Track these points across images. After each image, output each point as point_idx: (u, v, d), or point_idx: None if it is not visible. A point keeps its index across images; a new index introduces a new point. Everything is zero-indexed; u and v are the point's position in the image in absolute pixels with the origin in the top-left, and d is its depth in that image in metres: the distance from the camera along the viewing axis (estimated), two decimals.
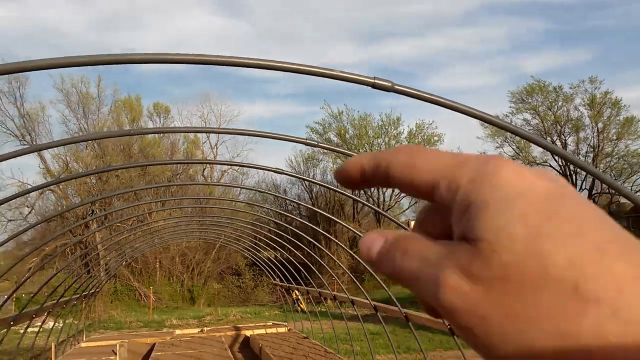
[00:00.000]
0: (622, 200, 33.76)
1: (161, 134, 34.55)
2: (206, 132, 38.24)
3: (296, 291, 18.28)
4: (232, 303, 28.71)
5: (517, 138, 35.84)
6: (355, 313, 14.11)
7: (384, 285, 7.19)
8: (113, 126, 32.64)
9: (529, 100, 35.12)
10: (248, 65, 2.44)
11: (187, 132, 35.21)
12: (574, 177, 33.47)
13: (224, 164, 38.29)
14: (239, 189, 34.64)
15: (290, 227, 11.52)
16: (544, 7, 56.27)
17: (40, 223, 23.79)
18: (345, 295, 9.49)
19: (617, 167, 34.12)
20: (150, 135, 33.52)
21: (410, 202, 37.73)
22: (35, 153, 27.89)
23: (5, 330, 7.81)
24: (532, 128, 34.98)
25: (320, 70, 2.43)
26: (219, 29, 59.60)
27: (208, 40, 58.39)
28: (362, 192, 33.70)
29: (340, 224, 9.11)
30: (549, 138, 34.29)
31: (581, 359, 0.27)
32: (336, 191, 33.46)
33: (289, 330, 13.94)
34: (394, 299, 6.92)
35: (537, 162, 35.64)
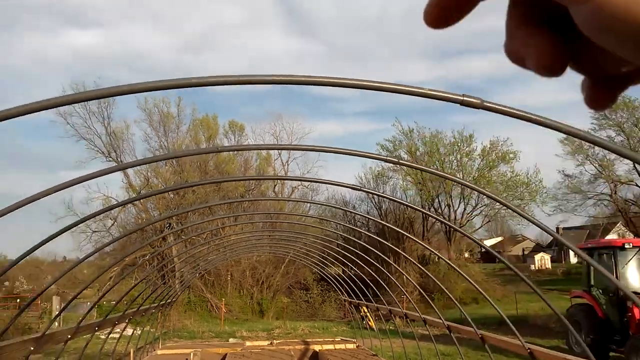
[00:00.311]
0: None
1: (236, 152, 35.62)
2: (282, 149, 39.03)
3: (364, 308, 18.14)
4: (300, 317, 28.86)
5: (600, 155, 34.00)
6: (425, 332, 13.80)
7: (458, 305, 7.00)
8: (191, 144, 34.06)
9: (613, 117, 33.26)
10: (331, 84, 2.49)
11: (274, 149, 36.12)
12: None
13: (297, 180, 38.83)
14: (308, 205, 35.02)
15: (360, 242, 11.49)
16: None
17: (123, 237, 25.06)
18: (417, 314, 9.31)
19: None
20: (225, 153, 34.66)
21: (482, 222, 36.62)
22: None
23: (90, 335, 8.25)
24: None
25: (406, 88, 2.44)
26: (293, 50, 61.07)
27: (283, 60, 59.99)
28: (432, 209, 33.08)
29: (411, 238, 8.97)
30: None
31: None
32: (408, 206, 33.07)
33: (357, 347, 13.82)
34: (469, 319, 6.72)
35: (622, 181, 33.62)
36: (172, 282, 17.40)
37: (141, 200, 31.32)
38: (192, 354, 11.91)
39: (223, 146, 31.66)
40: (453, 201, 34.83)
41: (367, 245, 9.80)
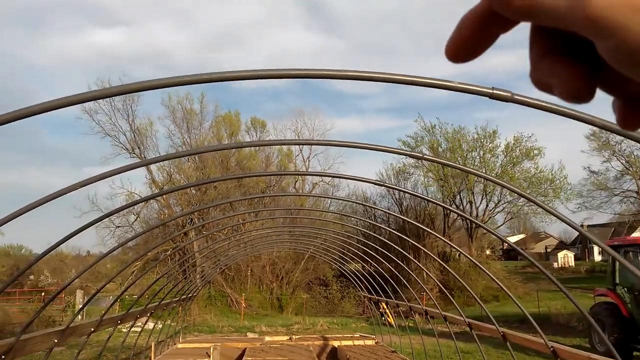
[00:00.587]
0: None
1: (257, 148, 35.79)
2: (303, 144, 39.11)
3: (384, 304, 18.10)
4: (319, 313, 28.93)
5: (627, 151, 33.36)
6: (444, 329, 13.72)
7: (480, 302, 6.93)
8: (213, 140, 34.32)
9: None
10: (358, 78, 2.46)
11: (296, 144, 36.18)
12: None
13: (318, 175, 38.93)
14: (329, 201, 35.06)
15: (380, 238, 11.45)
16: None
17: (145, 232, 25.40)
18: (437, 311, 9.26)
19: None
20: (246, 149, 34.88)
21: (505, 218, 36.21)
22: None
23: (112, 328, 8.38)
24: None
25: (436, 82, 2.40)
26: (316, 46, 61.09)
27: (303, 57, 60.04)
28: (453, 205, 32.81)
29: (433, 234, 8.89)
30: None
31: None
32: (430, 201, 32.85)
33: (376, 343, 13.79)
34: (491, 317, 6.65)
35: None
36: (193, 277, 17.57)
37: (164, 196, 31.68)
38: (212, 348, 12.02)
39: (245, 141, 31.82)
40: (475, 198, 34.50)
41: (387, 242, 9.77)
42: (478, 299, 7.27)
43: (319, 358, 12.01)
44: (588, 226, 44.40)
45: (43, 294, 29.77)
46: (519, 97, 2.38)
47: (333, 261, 16.30)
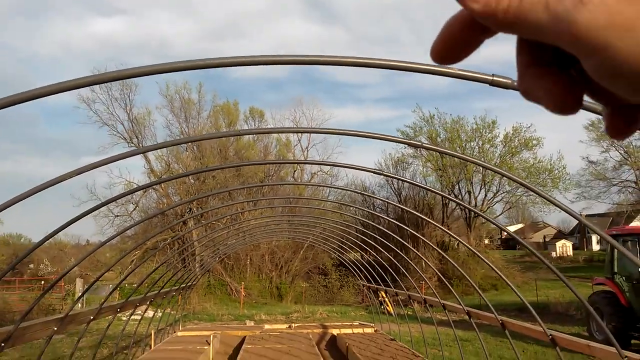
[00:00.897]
0: None
1: (256, 137, 35.70)
2: (302, 132, 38.91)
3: (383, 293, 18.16)
4: (319, 302, 29.04)
5: (626, 142, 33.33)
6: (443, 318, 13.78)
7: (478, 290, 6.94)
8: (212, 130, 34.20)
9: None
10: (358, 65, 2.41)
11: (294, 132, 36.02)
12: None
13: (317, 164, 38.84)
14: (327, 191, 35.04)
15: (379, 227, 11.46)
16: None
17: (144, 220, 25.39)
18: (436, 299, 9.28)
19: None
20: (245, 139, 34.79)
21: (503, 208, 36.27)
22: (141, 154, 29.87)
23: (111, 316, 8.40)
24: None
25: (434, 69, 2.37)
26: (317, 35, 60.80)
27: (307, 47, 59.78)
28: (452, 195, 32.84)
29: (432, 223, 8.91)
30: None
31: None
32: (429, 190, 32.86)
33: (375, 331, 13.85)
34: (490, 305, 6.66)
35: None
36: (192, 266, 17.60)
37: (162, 186, 31.65)
38: (212, 336, 12.06)
39: (243, 129, 31.76)
40: (474, 188, 34.52)
41: (386, 231, 9.77)
42: (477, 288, 7.27)
43: (319, 346, 12.05)
44: (586, 216, 44.50)
45: (43, 282, 29.82)
46: None
47: (332, 250, 16.32)
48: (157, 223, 29.63)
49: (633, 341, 12.37)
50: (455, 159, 31.73)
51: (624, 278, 12.89)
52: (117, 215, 32.28)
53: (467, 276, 7.38)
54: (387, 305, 18.20)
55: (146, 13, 57.13)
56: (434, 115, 34.54)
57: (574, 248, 53.11)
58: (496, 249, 39.62)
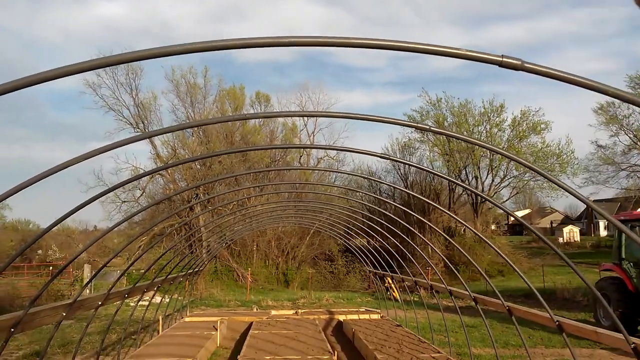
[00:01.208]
0: None
1: (262, 122, 35.62)
2: (309, 116, 38.84)
3: (389, 279, 18.20)
4: (325, 288, 29.16)
5: (635, 126, 33.03)
6: (449, 304, 13.79)
7: (485, 276, 6.93)
8: (217, 114, 34.13)
9: None
10: (366, 46, 2.36)
11: (302, 116, 35.95)
12: None
13: (323, 148, 38.83)
14: (334, 176, 35.03)
15: (385, 213, 11.43)
16: None
17: (151, 206, 25.48)
18: (442, 285, 9.27)
19: None
20: (251, 123, 34.72)
21: (510, 193, 36.13)
22: (147, 140, 29.91)
23: (119, 302, 8.46)
24: None
25: (443, 49, 2.31)
26: (321, 18, 60.30)
27: (310, 29, 59.34)
28: (459, 179, 32.72)
29: (438, 208, 8.86)
30: None
31: None
32: (436, 174, 32.75)
33: (381, 317, 13.91)
34: (497, 291, 6.64)
35: None
36: (199, 252, 17.69)
37: (169, 171, 31.70)
38: (219, 321, 12.16)
39: (249, 113, 31.60)
40: (481, 172, 34.34)
41: (392, 216, 9.75)
42: (483, 274, 7.26)
43: (325, 332, 12.12)
44: (594, 201, 44.19)
45: (51, 268, 30.11)
46: (529, 65, 2.28)
47: (338, 236, 16.34)
48: (164, 209, 29.76)
49: None
50: (463, 143, 31.52)
51: (631, 264, 12.83)
52: (124, 201, 32.44)
53: (473, 262, 7.36)
54: (394, 292, 18.26)
55: None
56: (441, 98, 34.29)
57: (581, 234, 52.95)
58: (503, 234, 39.50)
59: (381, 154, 5.14)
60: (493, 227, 39.30)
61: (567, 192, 3.59)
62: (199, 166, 32.22)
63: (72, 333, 13.07)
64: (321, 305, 19.84)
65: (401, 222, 9.07)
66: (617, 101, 30.22)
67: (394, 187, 30.91)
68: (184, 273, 13.53)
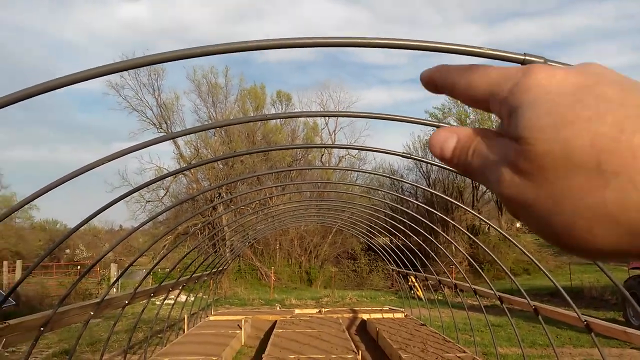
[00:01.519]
0: None
1: (283, 121, 35.71)
2: (330, 116, 38.86)
3: (413, 277, 18.09)
4: (348, 287, 29.12)
5: None
6: (473, 303, 13.64)
7: (510, 275, 6.83)
8: (239, 114, 34.34)
9: None
10: (386, 46, 2.35)
11: (322, 116, 35.96)
12: None
13: (345, 148, 38.73)
14: (355, 175, 34.93)
15: (408, 211, 11.37)
16: None
17: (175, 206, 25.76)
18: (466, 284, 9.18)
19: None
20: (272, 123, 34.84)
21: None
22: (170, 140, 30.23)
23: (145, 301, 8.57)
24: None
25: (465, 49, 2.28)
26: (340, 16, 60.22)
27: (329, 27, 59.36)
28: None
29: (462, 207, 8.79)
30: None
31: (609, 223, 0.32)
32: (458, 172, 32.41)
33: (405, 316, 13.84)
34: (522, 290, 6.55)
35: None
36: (222, 251, 17.81)
37: (192, 171, 32.00)
38: (243, 320, 12.23)
39: (271, 114, 31.70)
40: None
41: (415, 215, 9.69)
42: (508, 272, 7.16)
43: (349, 331, 12.11)
44: None
45: (79, 267, 30.67)
46: (552, 63, 2.24)
47: (361, 235, 16.28)
48: (187, 208, 30.04)
49: None
50: None
51: None
52: (149, 201, 32.86)
53: (498, 260, 7.26)
54: (417, 290, 18.14)
55: None
56: None
57: None
58: (528, 232, 38.92)
59: (403, 153, 5.11)
60: (518, 224, 38.72)
61: None
62: (221, 166, 32.46)
63: (100, 332, 13.31)
64: (344, 304, 19.82)
65: (424, 220, 8.99)
66: None
67: (416, 186, 30.70)
68: (208, 272, 13.65)
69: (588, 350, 10.70)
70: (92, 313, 5.82)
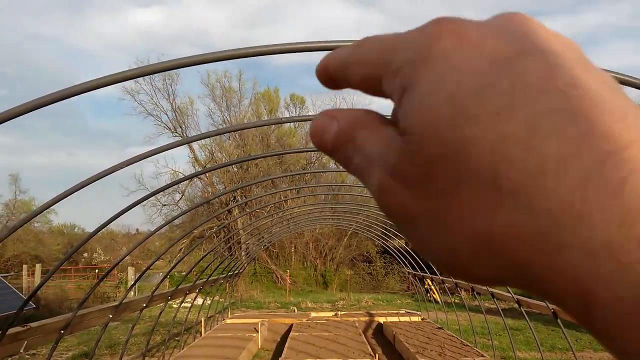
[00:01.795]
0: None
1: (297, 124, 35.79)
2: None
3: (429, 280, 17.98)
4: (364, 290, 29.03)
5: None
6: (491, 306, 13.52)
7: None
8: (252, 117, 34.53)
9: None
10: None
11: None
12: None
13: None
14: None
15: None
16: None
17: (190, 210, 25.95)
18: (484, 287, 9.10)
19: None
20: (286, 126, 34.95)
21: None
22: (185, 144, 30.45)
23: (163, 304, 8.63)
24: None
25: None
26: (354, 18, 60.30)
27: (343, 30, 59.45)
28: None
29: None
30: None
31: (490, 252, 0.22)
32: None
33: (422, 319, 13.75)
34: None
35: None
36: (238, 254, 17.88)
37: (207, 175, 32.22)
38: (259, 323, 12.25)
39: (285, 117, 31.76)
40: None
41: None
42: None
43: (365, 334, 12.06)
44: None
45: (97, 270, 31.01)
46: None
47: (376, 237, 16.24)
48: (202, 212, 30.21)
49: None
50: None
51: None
52: (165, 205, 33.11)
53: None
54: (434, 293, 18.02)
55: (183, 1, 57.72)
56: None
57: None
58: None
59: None
60: None
61: None
62: (236, 169, 32.62)
63: (119, 334, 13.42)
64: (360, 307, 19.76)
65: None
66: None
67: None
68: (224, 275, 13.71)
69: (608, 354, 10.53)
70: (110, 316, 5.86)
